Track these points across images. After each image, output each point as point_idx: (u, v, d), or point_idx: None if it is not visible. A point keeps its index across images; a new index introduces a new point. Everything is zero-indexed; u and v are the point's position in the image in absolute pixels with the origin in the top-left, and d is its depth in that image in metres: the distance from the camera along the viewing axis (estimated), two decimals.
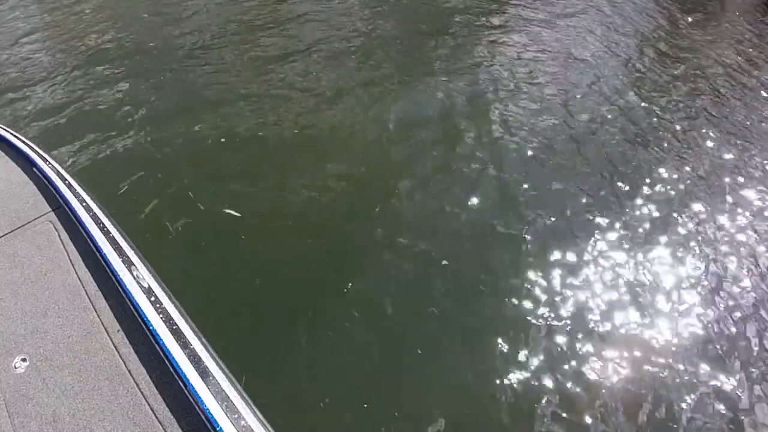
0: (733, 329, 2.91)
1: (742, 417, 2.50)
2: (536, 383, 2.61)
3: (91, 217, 2.01)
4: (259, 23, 6.49)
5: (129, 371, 1.58)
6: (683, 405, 2.55)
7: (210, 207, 3.60)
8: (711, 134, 4.43)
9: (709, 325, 2.91)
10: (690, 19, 6.44)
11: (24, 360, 1.64)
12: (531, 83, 5.10)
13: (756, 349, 2.81)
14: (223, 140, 4.43)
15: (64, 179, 2.22)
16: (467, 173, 3.97)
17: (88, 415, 1.49)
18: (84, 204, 2.08)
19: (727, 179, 3.96)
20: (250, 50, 5.91)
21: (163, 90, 5.21)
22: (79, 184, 2.21)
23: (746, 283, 3.17)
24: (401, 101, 4.88)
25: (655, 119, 4.62)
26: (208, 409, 1.40)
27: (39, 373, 1.60)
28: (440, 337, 2.85)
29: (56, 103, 5.09)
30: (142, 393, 1.53)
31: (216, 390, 1.46)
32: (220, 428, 1.37)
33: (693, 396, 2.58)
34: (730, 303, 3.04)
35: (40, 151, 2.43)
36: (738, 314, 2.99)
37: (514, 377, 2.64)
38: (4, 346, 1.69)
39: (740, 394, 2.60)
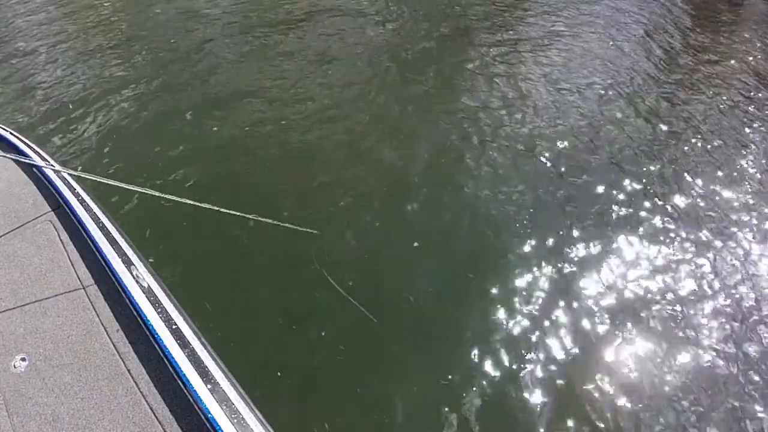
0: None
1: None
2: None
3: (90, 217, 2.02)
4: (276, 22, 6.56)
5: (128, 371, 1.58)
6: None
7: (212, 206, 3.61)
8: (728, 147, 4.35)
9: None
10: (707, 29, 6.38)
11: (23, 359, 1.64)
12: (539, 96, 5.07)
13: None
14: (215, 128, 4.50)
15: (64, 179, 2.22)
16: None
17: (87, 415, 1.49)
18: (84, 204, 2.08)
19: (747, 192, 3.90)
20: (269, 47, 5.98)
21: (170, 86, 5.27)
22: (79, 184, 2.21)
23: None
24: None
25: (670, 131, 4.56)
26: (207, 408, 1.41)
27: (38, 373, 1.60)
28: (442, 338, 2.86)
29: (64, 92, 5.21)
30: (141, 392, 1.53)
31: (215, 389, 1.46)
32: (220, 428, 1.37)
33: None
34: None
35: (40, 151, 2.44)
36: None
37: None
38: (4, 346, 1.69)
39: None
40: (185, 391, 1.48)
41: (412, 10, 6.90)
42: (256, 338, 2.84)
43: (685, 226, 3.57)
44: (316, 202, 3.70)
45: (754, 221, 3.64)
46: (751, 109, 4.86)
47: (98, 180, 2.14)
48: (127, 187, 2.12)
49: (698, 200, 3.81)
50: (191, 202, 2.22)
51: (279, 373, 2.65)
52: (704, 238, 3.49)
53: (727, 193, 3.87)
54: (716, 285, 3.18)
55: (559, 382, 2.65)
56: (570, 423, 2.48)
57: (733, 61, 5.66)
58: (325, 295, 3.00)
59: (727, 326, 2.95)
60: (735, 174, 4.06)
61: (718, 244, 3.45)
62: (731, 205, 3.78)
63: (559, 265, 3.26)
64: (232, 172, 4.03)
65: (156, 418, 1.47)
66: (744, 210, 3.74)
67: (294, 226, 2.86)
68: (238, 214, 2.42)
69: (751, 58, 5.73)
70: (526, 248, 3.38)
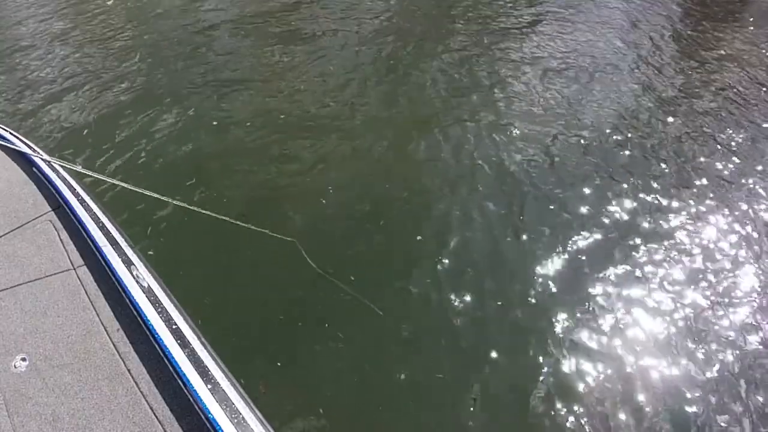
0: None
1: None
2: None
3: (90, 217, 2.02)
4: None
5: (128, 370, 1.59)
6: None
7: (210, 202, 3.63)
8: (732, 144, 4.35)
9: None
10: (714, 25, 6.32)
11: (24, 360, 1.64)
12: (547, 87, 5.09)
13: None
14: (215, 123, 4.55)
15: (64, 179, 2.22)
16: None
17: (87, 415, 1.49)
18: (84, 204, 2.08)
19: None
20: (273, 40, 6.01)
21: (169, 82, 5.30)
22: (79, 184, 2.22)
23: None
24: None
25: (675, 126, 4.56)
26: (207, 408, 1.41)
27: (39, 373, 1.60)
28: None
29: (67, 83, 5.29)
30: (141, 392, 1.53)
31: (215, 389, 1.46)
32: (220, 428, 1.37)
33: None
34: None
35: (40, 151, 2.44)
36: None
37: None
38: (4, 346, 1.69)
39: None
40: (185, 390, 1.48)
41: (408, 8, 6.93)
42: (259, 338, 2.85)
43: (680, 217, 3.60)
44: (307, 205, 3.71)
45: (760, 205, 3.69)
46: (750, 101, 4.88)
47: (98, 177, 2.15)
48: (126, 186, 2.14)
49: (694, 190, 3.84)
50: (194, 208, 2.25)
51: (279, 363, 2.68)
52: (698, 229, 3.53)
53: (725, 181, 3.90)
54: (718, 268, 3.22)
55: (567, 371, 2.68)
56: (574, 417, 2.50)
57: (735, 54, 5.65)
58: (324, 292, 3.02)
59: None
60: (732, 163, 4.10)
61: (713, 233, 3.49)
62: (731, 193, 3.81)
63: (554, 256, 3.29)
64: (230, 175, 4.04)
65: (156, 417, 1.47)
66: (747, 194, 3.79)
67: (288, 238, 2.89)
68: (232, 221, 2.48)
69: (753, 52, 5.71)
70: (515, 238, 3.42)
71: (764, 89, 5.05)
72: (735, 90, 5.04)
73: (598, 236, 3.44)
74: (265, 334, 2.86)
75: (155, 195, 2.15)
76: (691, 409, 2.53)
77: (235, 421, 1.39)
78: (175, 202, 2.27)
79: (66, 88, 5.24)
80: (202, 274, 3.17)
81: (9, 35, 6.63)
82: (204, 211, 2.31)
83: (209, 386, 1.46)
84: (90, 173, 2.10)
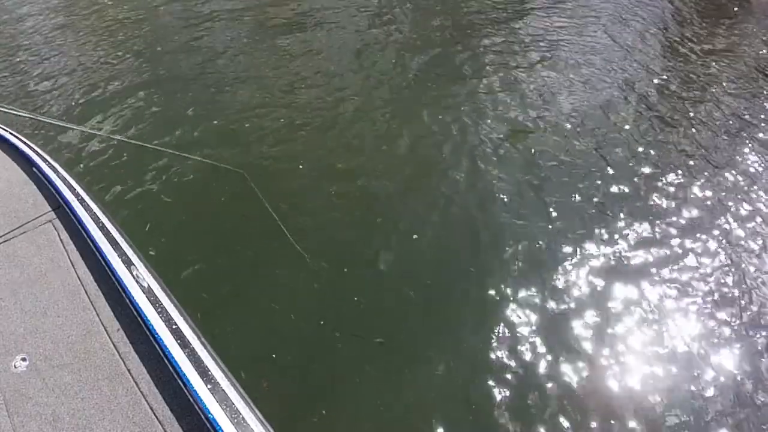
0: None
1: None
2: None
3: (91, 217, 2.02)
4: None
5: (128, 370, 1.59)
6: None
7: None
8: (724, 135, 4.37)
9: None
10: (714, 23, 6.32)
11: (24, 360, 1.64)
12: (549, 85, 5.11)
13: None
14: (215, 122, 4.62)
15: (64, 179, 2.22)
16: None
17: (87, 415, 1.49)
18: (84, 204, 2.08)
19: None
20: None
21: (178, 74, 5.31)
22: (79, 184, 2.22)
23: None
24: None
25: (666, 120, 4.56)
26: (207, 408, 1.41)
27: (39, 373, 1.60)
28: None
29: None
30: (141, 392, 1.53)
31: (215, 389, 1.46)
32: (220, 428, 1.37)
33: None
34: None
35: (40, 151, 2.44)
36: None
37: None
38: (4, 346, 1.69)
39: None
40: (185, 391, 1.48)
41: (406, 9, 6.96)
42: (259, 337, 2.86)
43: (673, 212, 3.62)
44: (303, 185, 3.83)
45: (746, 205, 3.71)
46: (750, 100, 4.88)
47: (115, 138, 2.18)
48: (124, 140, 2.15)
49: (691, 186, 3.85)
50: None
51: (274, 355, 2.71)
52: (692, 222, 3.54)
53: (721, 178, 3.92)
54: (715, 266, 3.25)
55: (529, 360, 2.72)
56: (538, 403, 2.53)
57: (735, 53, 5.65)
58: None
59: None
60: (729, 161, 4.11)
61: (707, 227, 3.51)
62: (724, 190, 3.82)
63: (542, 250, 3.31)
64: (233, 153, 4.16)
65: (156, 417, 1.47)
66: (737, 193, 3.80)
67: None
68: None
69: (753, 51, 5.71)
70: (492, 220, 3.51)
71: (757, 83, 5.08)
72: (727, 83, 5.06)
73: (584, 219, 3.49)
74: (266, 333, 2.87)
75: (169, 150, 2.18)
76: (670, 389, 2.59)
77: (235, 421, 1.39)
78: (169, 151, 2.32)
79: (65, 83, 5.29)
80: (202, 272, 3.17)
81: (8, 32, 6.67)
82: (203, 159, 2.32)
83: (209, 386, 1.46)
84: (84, 129, 2.12)
